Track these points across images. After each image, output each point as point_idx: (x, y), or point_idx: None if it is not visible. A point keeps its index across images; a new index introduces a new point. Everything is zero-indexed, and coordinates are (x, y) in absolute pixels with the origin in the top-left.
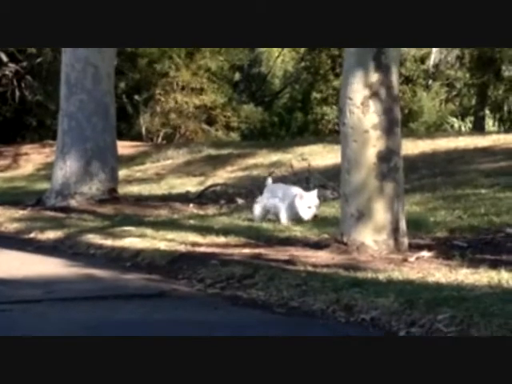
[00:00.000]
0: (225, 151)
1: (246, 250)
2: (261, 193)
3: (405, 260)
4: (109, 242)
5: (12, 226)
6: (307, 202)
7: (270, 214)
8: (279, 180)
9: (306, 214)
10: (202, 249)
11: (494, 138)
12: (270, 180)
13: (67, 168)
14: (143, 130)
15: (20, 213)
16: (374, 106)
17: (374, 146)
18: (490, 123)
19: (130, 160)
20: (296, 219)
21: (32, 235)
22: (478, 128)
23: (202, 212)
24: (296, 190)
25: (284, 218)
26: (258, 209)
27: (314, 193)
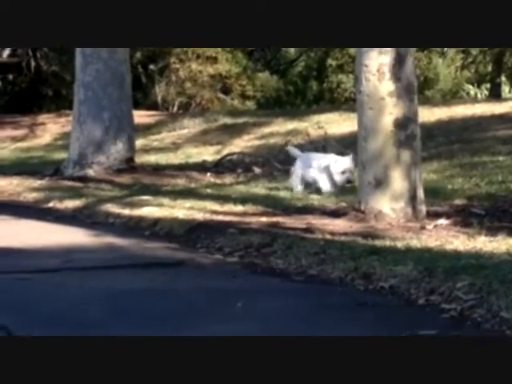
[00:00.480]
0: (240, 120)
1: (264, 219)
2: (278, 161)
3: (423, 228)
4: (127, 212)
5: (31, 196)
6: (341, 167)
7: (310, 186)
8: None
9: (340, 178)
10: (220, 217)
11: (510, 105)
12: (295, 150)
13: (84, 138)
14: (159, 99)
15: (38, 182)
16: (389, 73)
17: (391, 113)
18: (506, 90)
19: (147, 129)
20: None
21: (50, 205)
22: (495, 95)
23: (219, 181)
24: (331, 157)
25: (326, 187)
26: (296, 181)
27: (349, 158)
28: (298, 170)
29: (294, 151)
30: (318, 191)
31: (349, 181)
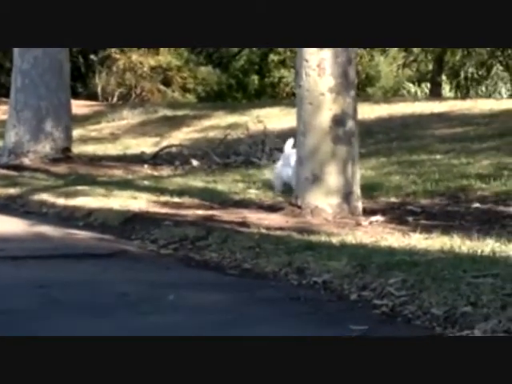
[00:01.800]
0: (181, 112)
1: (200, 212)
2: (217, 155)
3: (358, 224)
4: (61, 201)
5: None
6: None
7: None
8: (235, 142)
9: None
10: (156, 209)
11: (450, 104)
12: (288, 143)
13: (20, 126)
14: (99, 89)
15: None
16: (330, 69)
17: (330, 109)
18: (446, 89)
19: (85, 119)
20: None
21: None
22: (435, 94)
23: (156, 173)
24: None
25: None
26: (276, 180)
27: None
28: (278, 167)
29: (286, 146)
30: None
31: None
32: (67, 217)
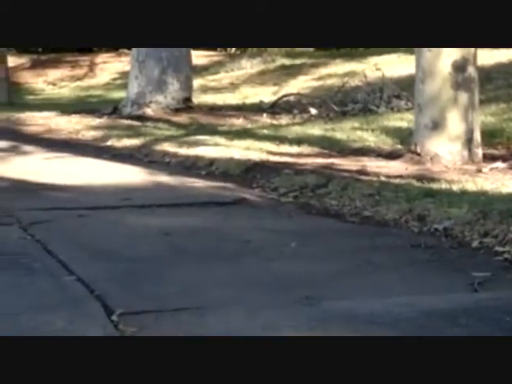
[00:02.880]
0: (298, 61)
1: (319, 160)
2: (335, 103)
3: (479, 171)
4: (183, 151)
5: (89, 134)
6: None
7: None
8: (353, 90)
9: None
10: (276, 158)
11: None
12: None
13: (142, 77)
14: None
15: (97, 121)
16: None
17: (450, 55)
18: None
19: (205, 70)
20: None
21: (108, 143)
22: None
23: (275, 122)
24: None
25: None
26: None
27: None
28: None
29: None
30: None
31: None
32: (189, 166)
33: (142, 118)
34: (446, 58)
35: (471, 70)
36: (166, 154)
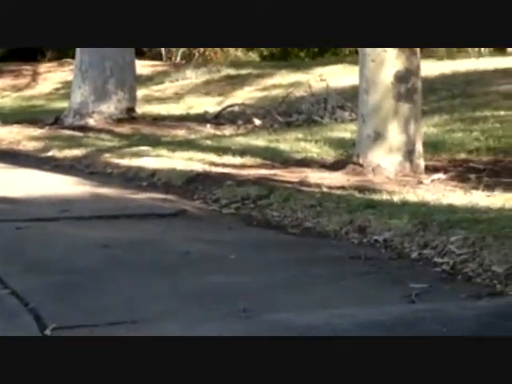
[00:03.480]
0: (244, 71)
1: (262, 171)
2: (279, 114)
3: (420, 182)
4: (126, 162)
5: (30, 145)
6: None
7: None
8: (297, 101)
9: None
10: (218, 169)
11: None
12: None
13: (85, 86)
14: (163, 49)
15: (38, 131)
16: None
17: (393, 65)
18: None
19: (149, 79)
20: None
21: (50, 154)
22: (499, 49)
23: (219, 132)
24: None
25: None
26: None
27: None
28: None
29: None
30: None
31: None
32: (131, 177)
33: (85, 129)
34: (389, 68)
35: (414, 81)
36: (107, 164)
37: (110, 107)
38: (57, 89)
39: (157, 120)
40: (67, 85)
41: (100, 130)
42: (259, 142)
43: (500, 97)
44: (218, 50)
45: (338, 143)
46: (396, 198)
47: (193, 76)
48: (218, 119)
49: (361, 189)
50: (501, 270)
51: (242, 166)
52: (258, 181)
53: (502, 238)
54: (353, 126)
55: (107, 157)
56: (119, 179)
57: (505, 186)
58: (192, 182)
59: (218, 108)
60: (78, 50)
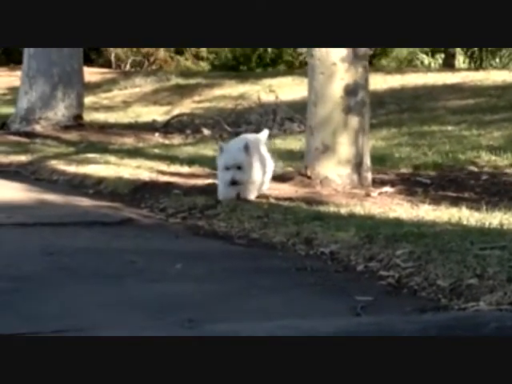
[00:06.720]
0: (193, 81)
1: (210, 181)
2: (228, 124)
3: (367, 195)
4: (72, 169)
5: None
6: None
7: None
8: (246, 112)
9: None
10: (166, 178)
11: (462, 75)
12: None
13: (33, 92)
14: (112, 57)
15: None
16: None
17: (342, 78)
18: (460, 60)
19: (97, 87)
20: None
21: None
22: (449, 65)
23: (167, 141)
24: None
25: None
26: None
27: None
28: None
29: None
30: None
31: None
32: (77, 184)
33: (31, 135)
34: (338, 81)
35: (363, 94)
36: (53, 171)
37: (57, 114)
38: (3, 94)
39: (104, 128)
40: (14, 90)
41: (47, 137)
42: (207, 151)
43: (448, 112)
44: (168, 58)
45: (287, 155)
46: (343, 211)
47: (142, 84)
48: (166, 128)
49: (308, 201)
50: (446, 284)
51: (190, 176)
52: (206, 190)
53: (447, 252)
54: (301, 138)
55: (53, 163)
56: (65, 186)
57: (451, 200)
58: (139, 191)
59: (167, 117)
60: (25, 55)
